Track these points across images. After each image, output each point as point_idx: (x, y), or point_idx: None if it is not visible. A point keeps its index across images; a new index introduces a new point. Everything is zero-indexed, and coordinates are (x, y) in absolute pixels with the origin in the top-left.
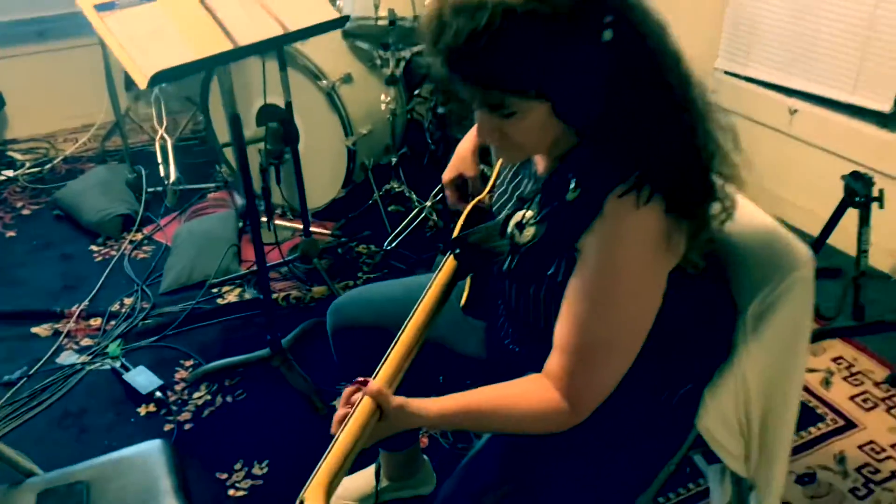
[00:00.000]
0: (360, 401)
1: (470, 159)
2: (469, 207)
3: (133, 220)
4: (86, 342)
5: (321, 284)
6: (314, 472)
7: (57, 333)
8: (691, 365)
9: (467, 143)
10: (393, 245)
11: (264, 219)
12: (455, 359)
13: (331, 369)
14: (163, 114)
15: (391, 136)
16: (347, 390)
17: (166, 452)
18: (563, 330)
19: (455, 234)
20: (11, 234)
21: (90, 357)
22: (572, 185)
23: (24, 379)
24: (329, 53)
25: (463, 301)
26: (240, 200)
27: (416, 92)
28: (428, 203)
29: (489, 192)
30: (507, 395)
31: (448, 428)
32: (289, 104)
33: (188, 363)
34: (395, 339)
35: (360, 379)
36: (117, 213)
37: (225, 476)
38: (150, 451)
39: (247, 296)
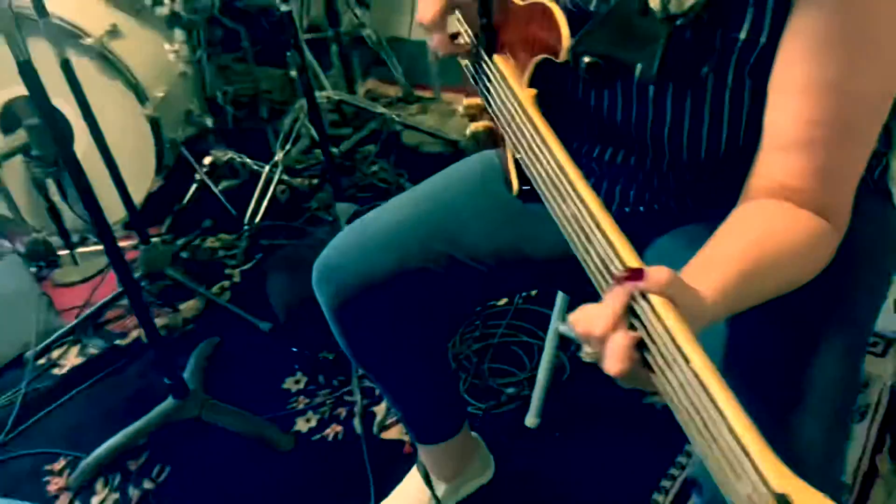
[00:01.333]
0: (649, 306)
1: None
2: (557, 9)
3: None
4: None
5: (187, 299)
6: (740, 462)
7: None
8: None
9: None
10: (256, 221)
11: (62, 252)
12: (532, 267)
13: (259, 395)
14: None
15: (194, 94)
16: (621, 290)
17: None
18: (792, 114)
19: (564, 45)
20: None
21: None
22: None
23: None
24: (77, 5)
25: (515, 187)
26: (19, 245)
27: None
28: (278, 156)
29: None
30: (766, 238)
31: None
32: (66, 62)
33: (58, 466)
34: (592, 220)
35: (625, 273)
36: None
37: None
38: None
39: (93, 350)
